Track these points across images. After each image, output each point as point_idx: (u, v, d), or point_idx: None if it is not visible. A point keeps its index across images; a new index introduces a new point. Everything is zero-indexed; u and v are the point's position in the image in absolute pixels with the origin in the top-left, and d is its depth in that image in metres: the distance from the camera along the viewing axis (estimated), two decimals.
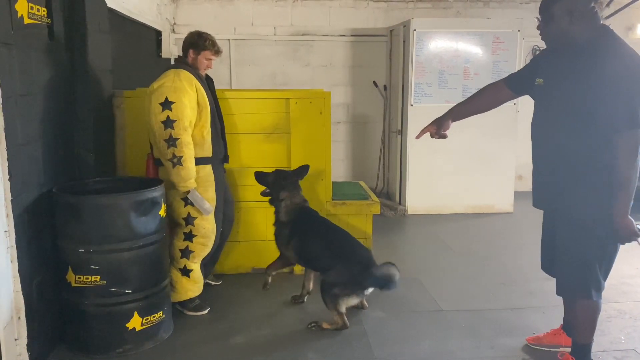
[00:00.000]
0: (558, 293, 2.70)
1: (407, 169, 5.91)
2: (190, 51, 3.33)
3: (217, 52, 3.39)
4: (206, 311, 3.41)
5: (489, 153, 5.86)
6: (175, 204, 3.25)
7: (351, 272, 3.16)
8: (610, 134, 2.33)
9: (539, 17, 2.48)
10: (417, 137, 2.90)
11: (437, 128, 2.82)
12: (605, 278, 2.60)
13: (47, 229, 2.83)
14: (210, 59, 3.39)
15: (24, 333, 2.59)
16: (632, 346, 3.04)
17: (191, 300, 3.40)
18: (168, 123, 3.06)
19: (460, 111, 2.89)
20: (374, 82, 6.64)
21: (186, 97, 3.12)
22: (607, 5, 6.30)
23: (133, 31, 4.81)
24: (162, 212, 2.98)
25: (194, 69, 3.31)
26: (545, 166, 2.63)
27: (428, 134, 2.85)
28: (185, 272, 3.33)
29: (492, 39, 5.72)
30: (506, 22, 5.90)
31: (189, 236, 3.30)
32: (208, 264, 3.61)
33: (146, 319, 2.92)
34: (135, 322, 2.88)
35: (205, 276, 3.64)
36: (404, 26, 5.86)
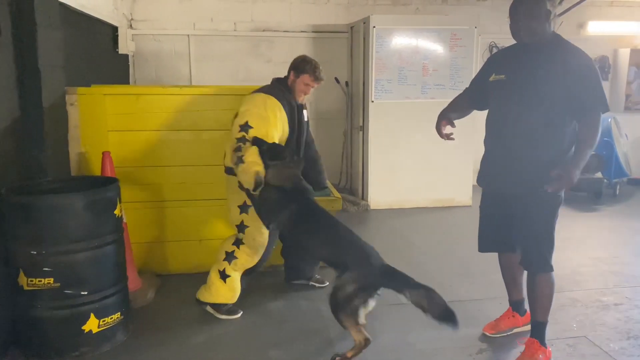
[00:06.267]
0: (525, 266, 2.88)
1: (369, 165, 5.97)
2: (291, 73, 3.34)
3: (317, 78, 3.32)
4: (239, 315, 3.34)
5: (448, 148, 5.90)
6: (233, 210, 3.22)
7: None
8: (579, 117, 2.63)
9: (528, 11, 2.69)
10: (446, 138, 3.13)
11: (447, 121, 3.06)
12: None
13: None
14: (309, 85, 3.32)
15: None
16: (584, 333, 3.15)
17: (224, 304, 3.34)
18: (242, 140, 3.02)
19: (444, 114, 3.14)
20: (336, 78, 6.66)
21: (267, 126, 3.08)
22: (560, 2, 6.49)
23: (87, 26, 4.68)
24: (117, 211, 2.92)
25: (288, 93, 3.30)
26: (510, 155, 2.78)
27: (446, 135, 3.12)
28: (223, 276, 3.27)
29: (449, 36, 5.82)
30: (463, 19, 6.00)
31: (238, 242, 3.25)
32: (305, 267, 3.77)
33: (103, 321, 2.86)
34: (92, 325, 2.82)
35: (309, 278, 3.79)
36: (364, 23, 5.90)
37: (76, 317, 2.79)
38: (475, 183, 6.34)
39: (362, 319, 2.75)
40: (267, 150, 3.03)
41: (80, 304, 2.78)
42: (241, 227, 3.22)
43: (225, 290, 3.30)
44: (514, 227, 2.87)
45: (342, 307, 2.73)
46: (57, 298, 2.73)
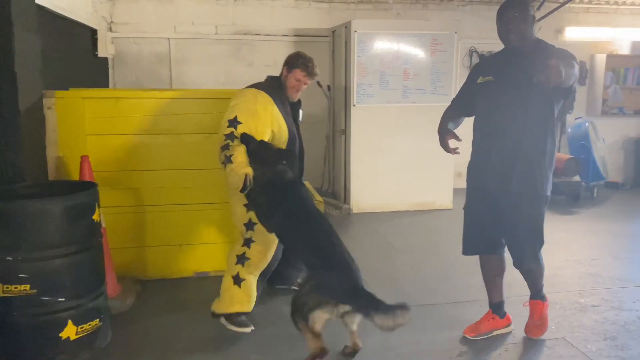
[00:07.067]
0: (517, 265, 3.00)
1: (351, 168, 5.99)
2: (284, 68, 3.31)
3: (310, 74, 3.28)
4: (250, 329, 3.16)
5: (429, 152, 5.97)
6: (239, 210, 3.11)
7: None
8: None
9: (517, 14, 2.82)
10: (453, 153, 3.08)
11: (452, 135, 3.06)
12: None
13: None
14: (300, 80, 3.28)
15: None
16: (562, 335, 3.19)
17: (237, 314, 3.16)
18: (230, 136, 2.99)
19: (445, 128, 3.15)
20: (318, 82, 6.64)
21: (257, 121, 3.05)
22: (539, 8, 6.60)
23: (66, 29, 4.63)
24: (96, 216, 2.88)
25: (280, 89, 3.26)
26: (499, 154, 2.86)
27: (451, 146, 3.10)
28: (237, 280, 3.12)
29: (430, 41, 5.86)
30: (444, 24, 6.06)
31: (248, 242, 3.13)
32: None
33: (81, 328, 2.81)
34: (70, 331, 2.77)
35: (292, 284, 3.71)
36: (345, 27, 5.93)
37: (53, 324, 2.74)
38: (456, 187, 6.43)
39: (317, 326, 2.66)
40: (254, 150, 2.98)
41: (58, 311, 2.73)
42: (249, 225, 3.13)
43: (240, 295, 3.13)
44: (502, 226, 2.96)
45: (297, 307, 2.70)
46: (34, 305, 2.68)
